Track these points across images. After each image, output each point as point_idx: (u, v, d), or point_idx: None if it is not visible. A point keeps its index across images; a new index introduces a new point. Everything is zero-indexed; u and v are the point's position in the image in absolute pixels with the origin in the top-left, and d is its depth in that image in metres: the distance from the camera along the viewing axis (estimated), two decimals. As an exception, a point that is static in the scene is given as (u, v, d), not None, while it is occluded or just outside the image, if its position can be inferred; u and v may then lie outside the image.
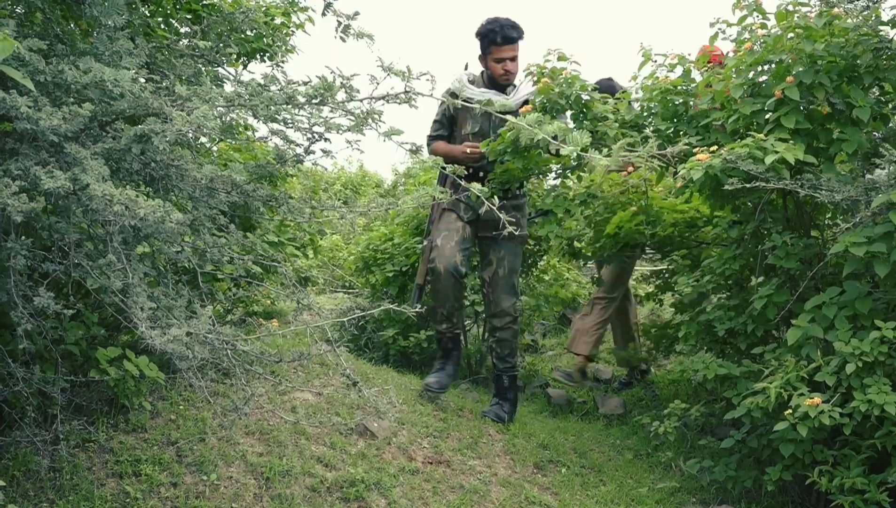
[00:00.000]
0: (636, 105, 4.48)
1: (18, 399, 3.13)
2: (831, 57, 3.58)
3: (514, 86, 4.66)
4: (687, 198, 4.53)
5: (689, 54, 4.34)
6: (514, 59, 4.56)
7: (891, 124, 3.92)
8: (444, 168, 3.28)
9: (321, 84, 2.40)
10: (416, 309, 3.86)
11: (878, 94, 3.80)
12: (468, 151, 4.51)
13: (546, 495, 3.99)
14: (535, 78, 4.52)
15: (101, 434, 3.51)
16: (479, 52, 4.63)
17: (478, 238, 4.77)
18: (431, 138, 4.79)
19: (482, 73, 4.69)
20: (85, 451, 3.43)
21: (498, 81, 4.59)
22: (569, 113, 4.44)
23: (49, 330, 3.02)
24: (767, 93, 3.69)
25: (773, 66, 3.77)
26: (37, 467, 3.19)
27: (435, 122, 4.81)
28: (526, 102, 4.47)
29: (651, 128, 4.20)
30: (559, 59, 4.53)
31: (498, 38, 4.48)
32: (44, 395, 3.21)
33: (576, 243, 5.45)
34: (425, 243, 4.73)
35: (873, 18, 3.57)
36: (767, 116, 3.65)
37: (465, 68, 4.73)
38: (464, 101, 3.34)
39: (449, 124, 4.77)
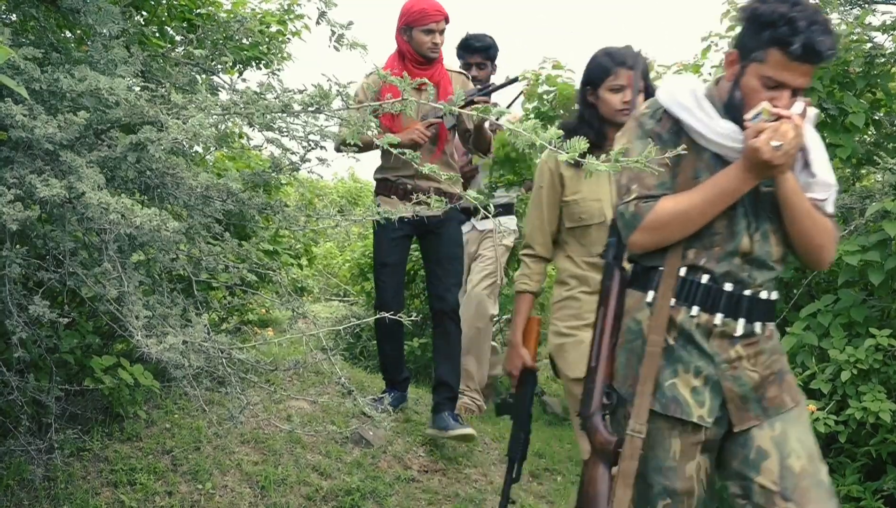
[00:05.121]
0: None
1: (13, 408, 3.12)
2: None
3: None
4: None
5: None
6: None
7: (883, 130, 3.94)
8: None
9: (317, 92, 2.40)
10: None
11: (870, 100, 3.82)
12: None
13: (542, 503, 3.98)
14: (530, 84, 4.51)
15: (95, 443, 3.51)
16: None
17: None
18: (650, 197, 2.24)
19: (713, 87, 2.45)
20: (80, 460, 3.42)
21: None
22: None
23: (44, 339, 3.02)
24: None
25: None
26: (31, 476, 3.18)
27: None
28: None
29: None
30: (554, 67, 4.53)
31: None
32: (38, 404, 3.20)
33: None
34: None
35: (866, 23, 3.58)
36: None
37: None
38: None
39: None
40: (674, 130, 2.23)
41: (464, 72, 4.35)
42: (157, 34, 3.71)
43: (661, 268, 2.23)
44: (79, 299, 3.27)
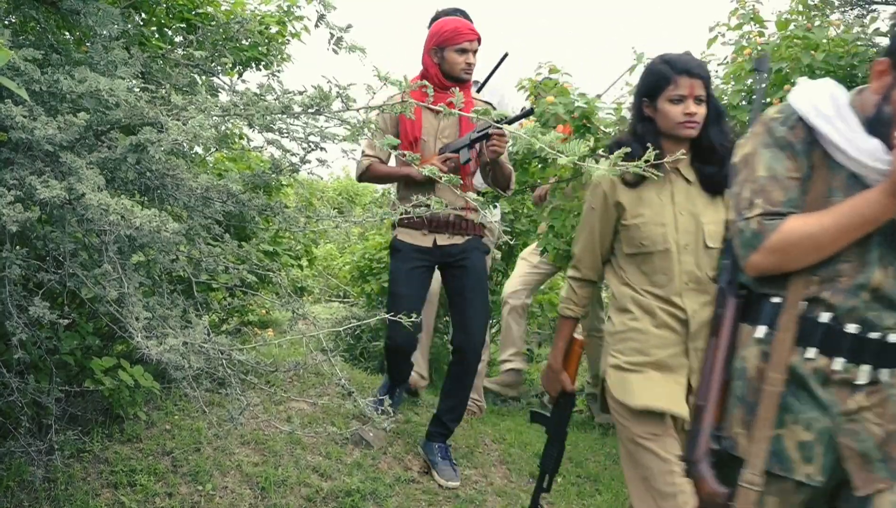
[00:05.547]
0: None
1: (13, 409, 3.13)
2: (829, 67, 3.60)
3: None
4: None
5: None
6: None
7: None
8: None
9: (317, 93, 2.40)
10: None
11: None
12: None
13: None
14: (528, 92, 4.49)
15: (95, 444, 3.50)
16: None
17: None
18: (775, 215, 2.03)
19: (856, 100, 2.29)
20: (80, 461, 3.42)
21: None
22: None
23: (44, 340, 3.02)
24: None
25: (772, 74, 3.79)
26: (31, 477, 3.17)
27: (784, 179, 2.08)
28: None
29: None
30: (551, 71, 4.52)
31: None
32: (38, 405, 3.20)
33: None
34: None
35: (871, 29, 3.59)
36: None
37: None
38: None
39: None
40: (807, 140, 1.95)
41: (489, 102, 4.21)
42: (157, 35, 3.71)
43: (774, 299, 1.97)
44: (79, 301, 3.27)
